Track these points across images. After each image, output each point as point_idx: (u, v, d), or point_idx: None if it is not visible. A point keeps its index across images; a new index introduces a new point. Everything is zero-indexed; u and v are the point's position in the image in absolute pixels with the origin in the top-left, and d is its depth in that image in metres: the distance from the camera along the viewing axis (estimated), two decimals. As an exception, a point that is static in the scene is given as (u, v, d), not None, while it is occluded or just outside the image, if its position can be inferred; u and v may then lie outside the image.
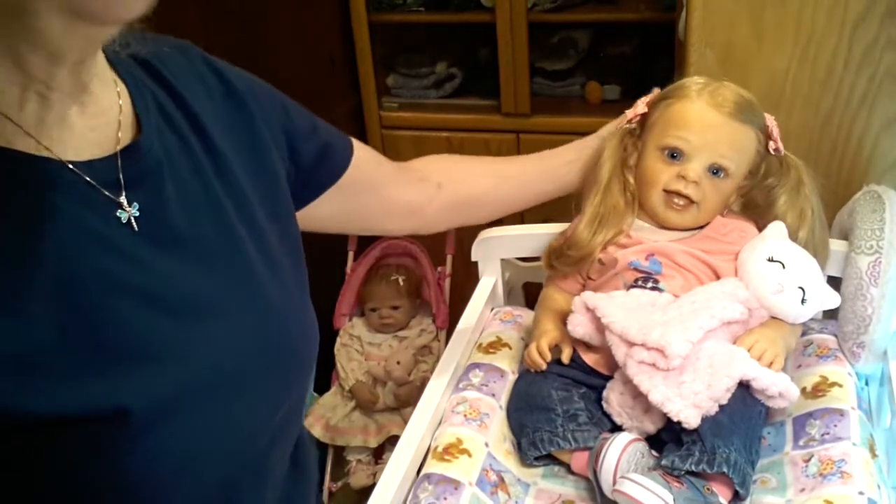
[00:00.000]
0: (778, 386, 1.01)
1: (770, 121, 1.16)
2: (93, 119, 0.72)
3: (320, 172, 1.00)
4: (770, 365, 1.03)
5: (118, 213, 0.70)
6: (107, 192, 0.70)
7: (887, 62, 1.31)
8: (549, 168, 1.26)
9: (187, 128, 0.80)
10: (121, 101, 0.75)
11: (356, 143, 1.07)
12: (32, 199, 0.66)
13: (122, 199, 0.71)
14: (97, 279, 0.67)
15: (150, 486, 0.71)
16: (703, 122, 1.12)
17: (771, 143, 1.15)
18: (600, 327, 1.08)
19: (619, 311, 1.06)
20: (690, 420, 0.96)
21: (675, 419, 0.97)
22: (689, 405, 0.97)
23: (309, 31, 2.34)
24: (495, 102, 2.41)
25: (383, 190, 1.12)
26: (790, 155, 1.16)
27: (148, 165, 0.74)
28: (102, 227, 0.69)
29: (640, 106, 1.20)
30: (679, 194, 1.13)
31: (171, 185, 0.75)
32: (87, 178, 0.69)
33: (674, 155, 1.13)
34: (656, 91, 1.23)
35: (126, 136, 0.74)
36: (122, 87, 0.76)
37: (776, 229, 1.13)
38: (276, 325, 0.82)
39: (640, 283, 1.13)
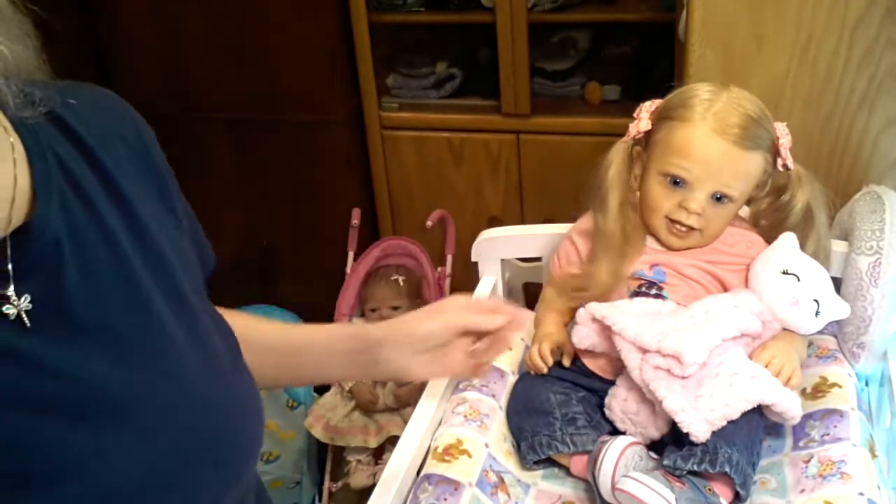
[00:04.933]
0: (793, 411, 1.01)
1: (780, 131, 1.11)
2: None
3: None
4: (788, 380, 1.03)
5: (5, 309, 0.61)
6: None
7: (887, 62, 1.30)
8: (320, 356, 1.01)
9: (99, 189, 0.69)
10: (17, 174, 0.64)
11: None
12: None
13: (10, 292, 0.61)
14: None
15: None
16: (706, 151, 1.08)
17: (779, 161, 1.11)
18: (607, 336, 1.08)
19: (629, 318, 1.06)
20: (700, 434, 0.96)
21: (685, 430, 0.96)
22: (701, 420, 0.96)
23: (309, 31, 2.33)
24: (495, 102, 2.41)
25: None
26: (800, 167, 1.13)
27: (42, 247, 0.64)
28: None
29: (644, 122, 1.15)
30: (681, 223, 1.11)
31: (72, 265, 0.65)
32: None
33: (676, 182, 1.10)
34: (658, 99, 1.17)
35: (19, 215, 0.64)
36: (20, 156, 0.65)
37: (788, 241, 1.11)
38: (206, 413, 0.72)
39: (643, 289, 1.12)
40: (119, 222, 0.69)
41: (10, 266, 0.62)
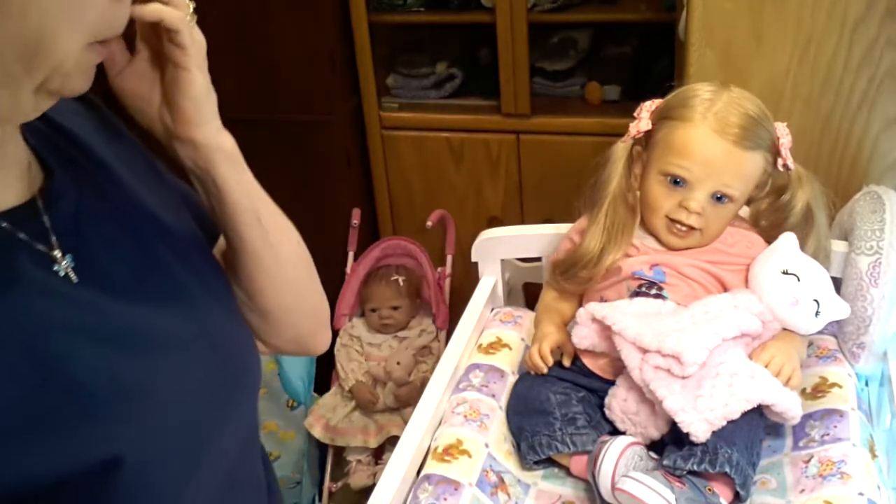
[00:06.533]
0: (793, 411, 1.02)
1: (781, 131, 1.11)
2: (9, 167, 0.68)
3: None
4: (788, 380, 1.03)
5: (55, 268, 0.67)
6: (40, 247, 0.67)
7: (887, 62, 1.30)
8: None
9: (79, 154, 0.75)
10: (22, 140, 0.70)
11: None
12: None
13: (56, 253, 0.68)
14: (59, 333, 0.65)
15: None
16: (706, 151, 1.08)
17: (779, 160, 1.11)
18: (607, 336, 1.08)
19: (629, 318, 1.06)
20: (700, 434, 0.96)
21: (685, 430, 0.96)
22: (701, 420, 0.96)
23: (309, 31, 2.33)
24: (495, 102, 2.40)
25: None
26: (800, 168, 1.13)
27: (66, 210, 0.70)
28: (48, 281, 0.67)
29: (645, 122, 1.15)
30: (681, 223, 1.11)
31: (88, 221, 0.71)
32: (20, 236, 0.66)
33: (676, 182, 1.10)
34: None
35: (38, 180, 0.70)
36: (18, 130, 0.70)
37: (788, 241, 1.11)
38: (223, 345, 0.79)
39: (643, 289, 1.12)
40: (105, 183, 0.75)
41: (46, 223, 0.67)
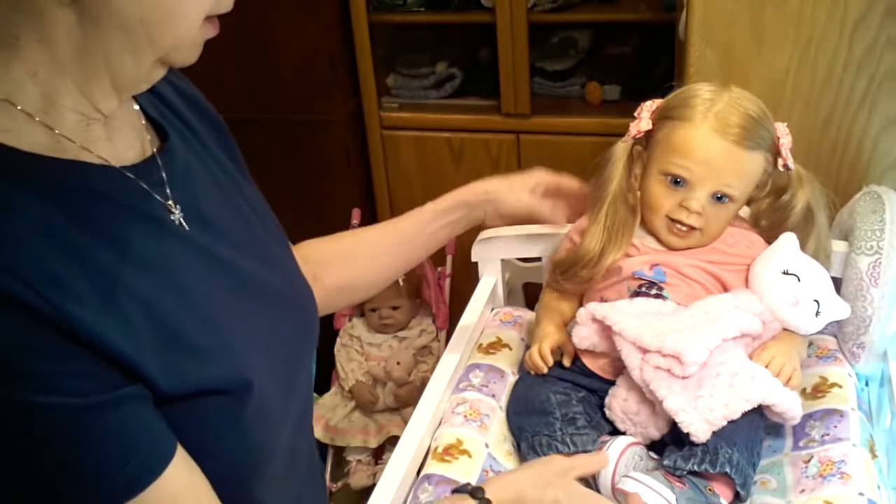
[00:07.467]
0: (793, 411, 1.01)
1: (781, 131, 1.11)
2: (128, 129, 0.77)
3: None
4: (789, 380, 1.03)
5: (171, 217, 0.76)
6: (158, 197, 0.75)
7: (887, 62, 1.31)
8: (429, 233, 1.17)
9: (177, 122, 0.84)
10: (136, 107, 0.79)
11: None
12: (115, 204, 0.71)
13: (170, 203, 0.76)
14: (187, 273, 0.74)
15: (265, 446, 0.80)
16: (707, 151, 1.08)
17: (780, 160, 1.11)
18: (607, 336, 1.08)
19: (629, 318, 1.06)
20: (700, 435, 0.96)
21: (685, 430, 0.96)
22: (701, 420, 0.96)
23: (309, 31, 2.33)
24: (495, 102, 2.41)
25: None
26: (800, 168, 1.12)
27: (177, 167, 0.79)
28: (172, 227, 0.76)
29: (645, 122, 1.15)
30: (682, 223, 1.11)
31: (194, 179, 0.81)
32: (142, 184, 0.74)
33: (677, 181, 1.10)
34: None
35: (153, 141, 0.79)
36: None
37: (788, 241, 1.11)
38: (302, 302, 0.91)
39: (643, 289, 1.12)
40: (199, 147, 0.85)
41: (166, 179, 0.76)
